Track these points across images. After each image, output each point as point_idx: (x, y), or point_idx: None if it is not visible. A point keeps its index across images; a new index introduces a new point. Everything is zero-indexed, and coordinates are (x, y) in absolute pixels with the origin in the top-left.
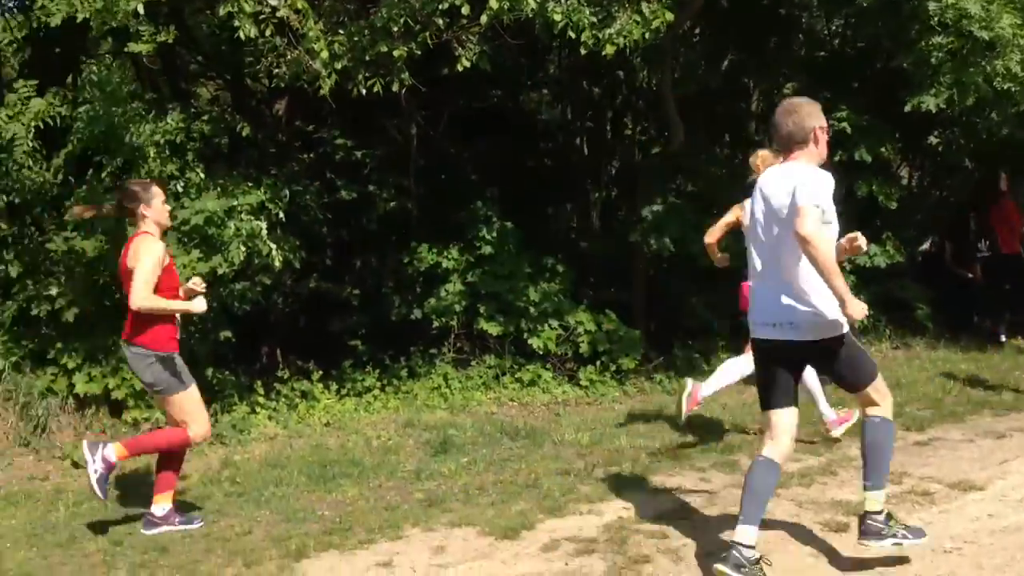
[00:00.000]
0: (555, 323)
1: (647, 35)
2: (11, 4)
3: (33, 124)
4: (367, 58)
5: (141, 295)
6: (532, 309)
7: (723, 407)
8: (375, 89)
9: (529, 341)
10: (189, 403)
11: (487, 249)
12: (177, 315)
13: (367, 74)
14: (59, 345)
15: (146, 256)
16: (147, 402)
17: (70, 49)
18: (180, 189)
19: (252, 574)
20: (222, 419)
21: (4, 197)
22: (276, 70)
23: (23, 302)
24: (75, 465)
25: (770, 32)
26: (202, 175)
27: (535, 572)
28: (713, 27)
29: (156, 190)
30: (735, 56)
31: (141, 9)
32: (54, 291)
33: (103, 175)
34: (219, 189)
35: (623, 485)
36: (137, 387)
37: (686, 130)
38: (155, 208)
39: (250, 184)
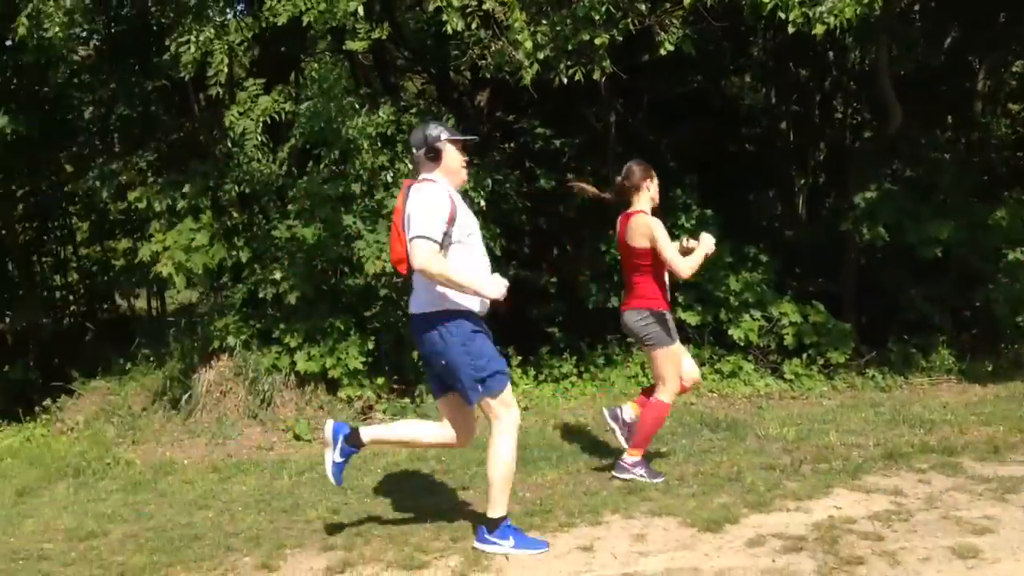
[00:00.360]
0: (757, 314)
1: (860, 12)
2: (240, 7)
3: (261, 120)
4: (569, 47)
5: (681, 264)
6: (732, 299)
7: (944, 406)
8: (576, 78)
9: (729, 332)
10: (670, 358)
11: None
12: (666, 278)
13: (568, 63)
14: (282, 326)
15: (657, 230)
16: (360, 381)
17: (292, 48)
18: (390, 179)
19: (458, 548)
20: (427, 399)
21: (236, 187)
22: (480, 62)
23: (252, 285)
24: (297, 438)
25: (998, 6)
26: (410, 165)
27: (739, 566)
28: (935, 1)
29: (653, 173)
30: (959, 32)
31: (361, 9)
32: (278, 275)
33: (321, 166)
34: None
35: (833, 483)
36: (351, 367)
37: (903, 112)
38: (654, 188)
39: None
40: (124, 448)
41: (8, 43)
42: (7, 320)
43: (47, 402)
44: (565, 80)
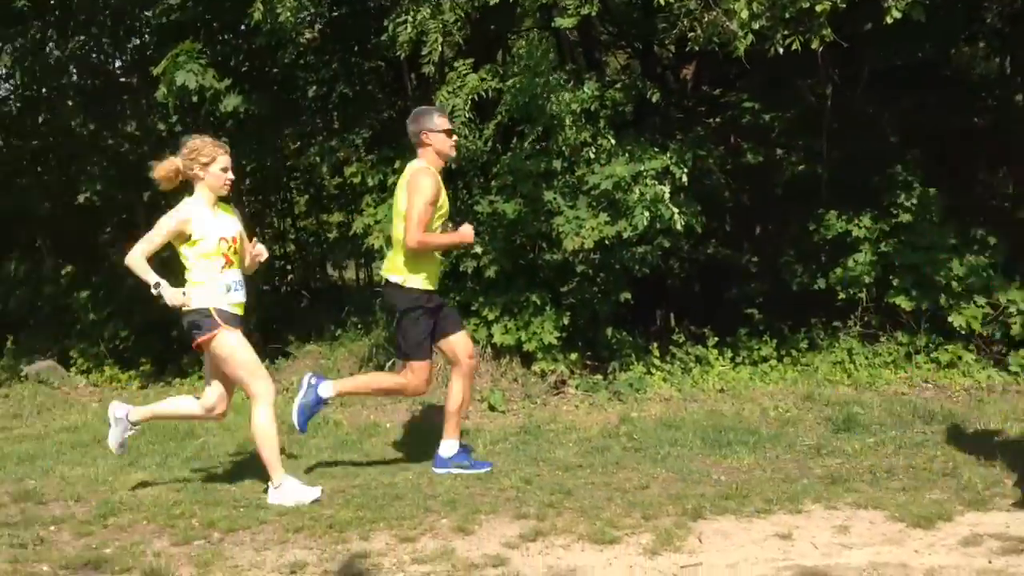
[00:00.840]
0: (982, 300)
1: None
2: None
3: (469, 98)
4: (786, 15)
5: None
6: (955, 284)
7: None
8: (793, 48)
9: (949, 319)
10: None
11: (905, 217)
12: None
13: (785, 32)
14: (481, 299)
15: None
16: (553, 356)
17: (500, 26)
18: (592, 155)
19: (650, 526)
20: (620, 377)
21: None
22: (690, 34)
23: (454, 259)
24: (491, 408)
25: None
26: (612, 141)
27: (952, 565)
28: None
29: None
30: None
31: None
32: (478, 249)
33: (525, 143)
34: (627, 155)
35: None
36: (545, 341)
37: None
38: None
39: (656, 149)
40: (333, 409)
41: (243, 28)
42: None
43: (265, 363)
44: (780, 50)
